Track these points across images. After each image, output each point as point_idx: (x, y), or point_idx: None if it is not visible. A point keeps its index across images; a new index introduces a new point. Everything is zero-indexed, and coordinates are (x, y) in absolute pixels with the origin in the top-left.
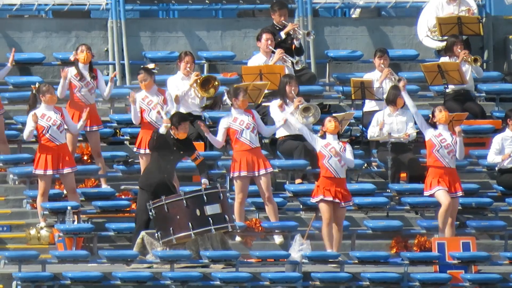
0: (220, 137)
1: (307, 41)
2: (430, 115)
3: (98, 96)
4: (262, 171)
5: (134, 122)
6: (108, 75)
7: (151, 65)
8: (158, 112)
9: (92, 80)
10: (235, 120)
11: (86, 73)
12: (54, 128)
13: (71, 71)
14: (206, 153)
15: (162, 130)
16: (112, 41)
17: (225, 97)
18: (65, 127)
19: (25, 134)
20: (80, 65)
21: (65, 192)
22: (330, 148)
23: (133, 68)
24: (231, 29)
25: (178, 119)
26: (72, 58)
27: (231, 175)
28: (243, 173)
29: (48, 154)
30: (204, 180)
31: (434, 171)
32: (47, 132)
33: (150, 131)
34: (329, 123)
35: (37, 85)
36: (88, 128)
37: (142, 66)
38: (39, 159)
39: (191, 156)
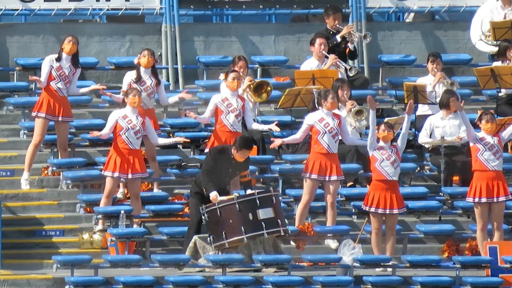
0: (300, 134)
1: (363, 44)
2: (477, 119)
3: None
4: (334, 177)
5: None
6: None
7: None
8: (236, 116)
9: (153, 85)
10: (321, 121)
11: (147, 78)
12: (132, 132)
13: (131, 75)
14: (260, 157)
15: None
16: (166, 45)
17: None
18: (143, 133)
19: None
20: (142, 69)
21: (117, 196)
22: (382, 152)
23: (187, 72)
24: (284, 33)
25: (242, 143)
26: (135, 61)
27: (302, 174)
28: (314, 176)
29: (119, 157)
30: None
31: (479, 175)
32: (124, 133)
33: (224, 133)
34: (383, 132)
35: (123, 90)
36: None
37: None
38: (109, 161)
39: (242, 172)
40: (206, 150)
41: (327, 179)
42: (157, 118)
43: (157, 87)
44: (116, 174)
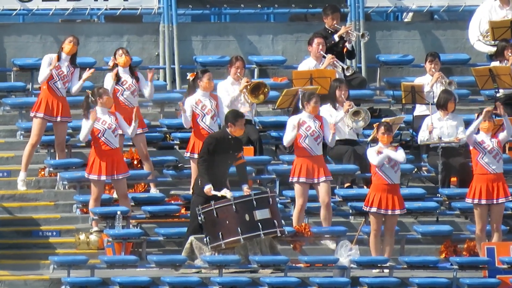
0: (290, 136)
1: (361, 43)
2: (475, 118)
3: (148, 101)
4: (322, 178)
5: (185, 126)
6: (158, 79)
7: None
8: (212, 117)
9: (134, 82)
10: (303, 124)
11: (127, 76)
12: (110, 131)
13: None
14: (256, 158)
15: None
16: (164, 45)
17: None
18: (119, 132)
19: (82, 135)
20: (120, 69)
21: (114, 196)
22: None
23: (184, 72)
24: (282, 33)
25: (234, 116)
26: (111, 63)
27: (290, 179)
28: (302, 179)
29: (102, 159)
30: (245, 188)
31: (479, 177)
32: (103, 135)
33: (203, 136)
34: (382, 136)
35: (89, 91)
36: None
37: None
38: (93, 164)
39: (237, 154)
40: (187, 155)
41: (316, 181)
42: (153, 118)
43: (138, 83)
44: (102, 177)
